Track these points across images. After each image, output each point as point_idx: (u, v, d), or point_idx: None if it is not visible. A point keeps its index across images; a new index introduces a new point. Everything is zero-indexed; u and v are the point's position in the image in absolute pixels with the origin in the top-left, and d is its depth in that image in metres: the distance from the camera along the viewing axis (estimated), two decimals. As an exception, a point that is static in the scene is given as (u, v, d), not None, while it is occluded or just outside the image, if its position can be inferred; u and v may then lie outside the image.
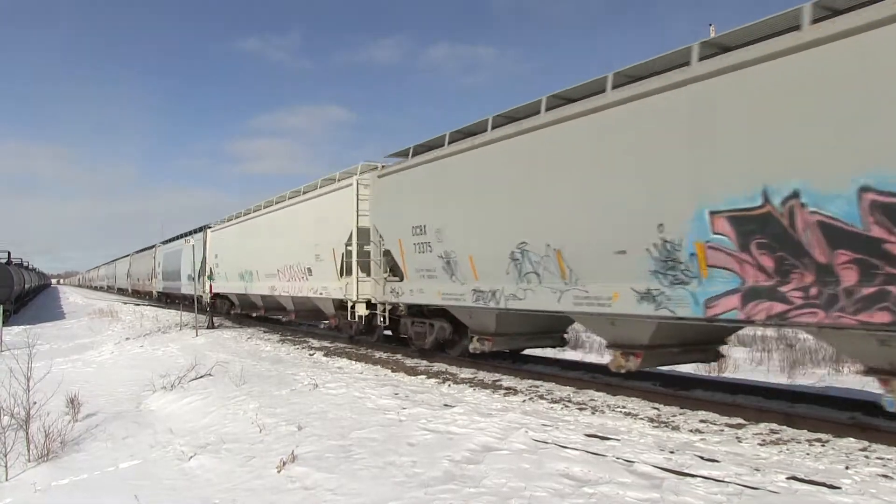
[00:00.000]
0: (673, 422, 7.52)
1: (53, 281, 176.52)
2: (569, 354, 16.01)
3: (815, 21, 6.12)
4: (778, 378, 12.49)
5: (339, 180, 15.77)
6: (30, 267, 59.61)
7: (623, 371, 8.64)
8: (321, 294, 16.39)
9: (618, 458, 6.00)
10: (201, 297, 26.07)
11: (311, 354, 15.11)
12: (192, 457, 7.26)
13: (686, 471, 5.58)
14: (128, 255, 63.49)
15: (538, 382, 10.34)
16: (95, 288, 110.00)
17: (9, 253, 36.21)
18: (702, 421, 7.54)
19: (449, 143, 11.46)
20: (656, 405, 8.46)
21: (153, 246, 44.79)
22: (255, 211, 22.35)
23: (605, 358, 13.03)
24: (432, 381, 10.83)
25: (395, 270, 13.46)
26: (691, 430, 7.09)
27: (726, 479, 5.32)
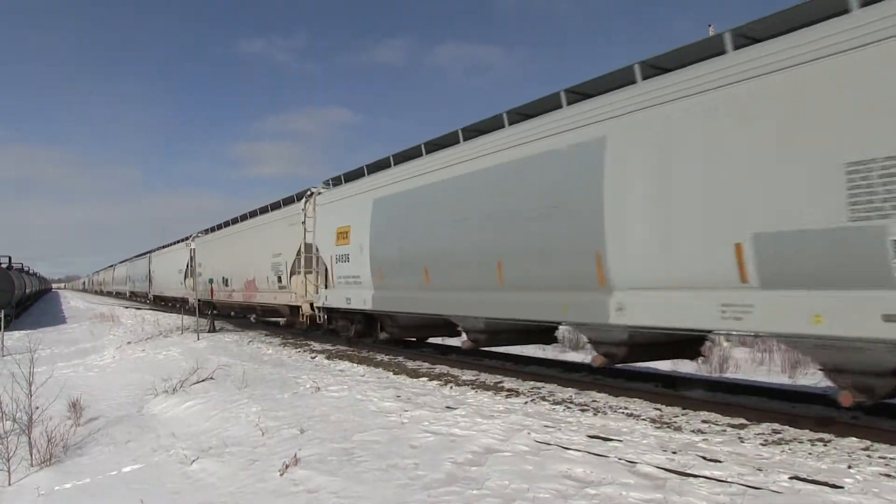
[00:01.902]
0: (675, 422, 7.53)
1: (58, 286, 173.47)
2: (570, 356, 16.03)
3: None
4: (779, 378, 12.51)
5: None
6: (31, 271, 59.65)
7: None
8: None
9: (620, 459, 6.00)
10: None
11: (312, 357, 15.12)
12: (194, 461, 7.27)
13: (689, 471, 5.58)
14: (183, 240, 35.50)
15: (540, 384, 10.34)
16: (108, 294, 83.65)
17: (9, 258, 36.25)
18: (704, 421, 7.54)
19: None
20: (658, 406, 8.46)
21: (304, 194, 18.42)
22: None
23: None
24: (434, 383, 10.83)
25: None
26: (693, 431, 7.09)
27: (729, 480, 5.32)
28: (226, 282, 26.15)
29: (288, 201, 20.13)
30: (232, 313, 29.51)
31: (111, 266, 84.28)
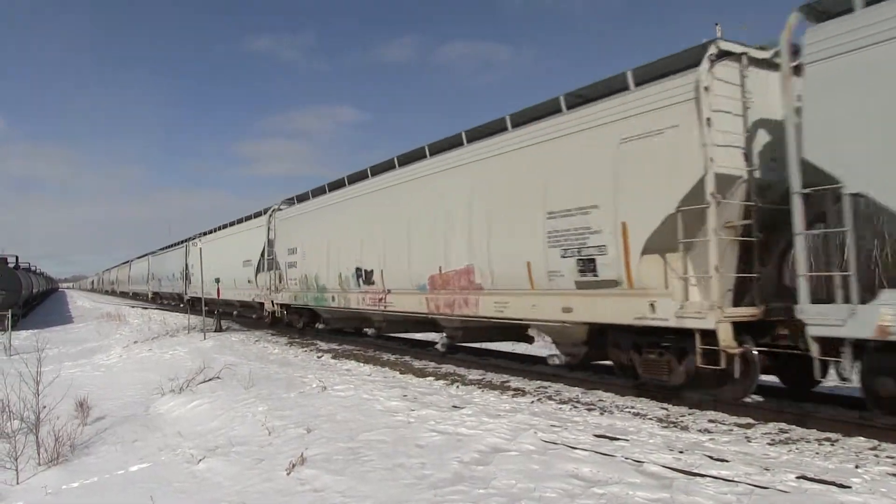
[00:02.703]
0: (682, 422, 7.51)
1: (65, 286, 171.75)
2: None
3: None
4: (786, 377, 12.45)
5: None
6: (37, 271, 59.86)
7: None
8: None
9: (627, 459, 5.99)
10: None
11: (319, 357, 15.14)
12: (201, 460, 7.29)
13: (696, 471, 5.57)
14: (248, 218, 25.50)
15: (546, 383, 10.33)
16: (122, 295, 72.96)
17: (17, 257, 36.41)
18: (711, 421, 7.52)
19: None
20: (665, 405, 8.44)
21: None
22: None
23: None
24: (441, 382, 10.83)
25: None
26: (700, 430, 7.08)
27: (736, 479, 5.31)
28: (363, 276, 15.12)
29: (656, 71, 8.66)
30: (368, 332, 16.59)
31: (126, 262, 71.17)
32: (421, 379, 11.30)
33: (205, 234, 32.27)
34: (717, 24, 8.21)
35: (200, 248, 25.70)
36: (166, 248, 44.69)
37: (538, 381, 10.52)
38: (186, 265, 34.08)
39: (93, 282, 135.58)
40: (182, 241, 37.79)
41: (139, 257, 60.42)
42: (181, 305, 36.39)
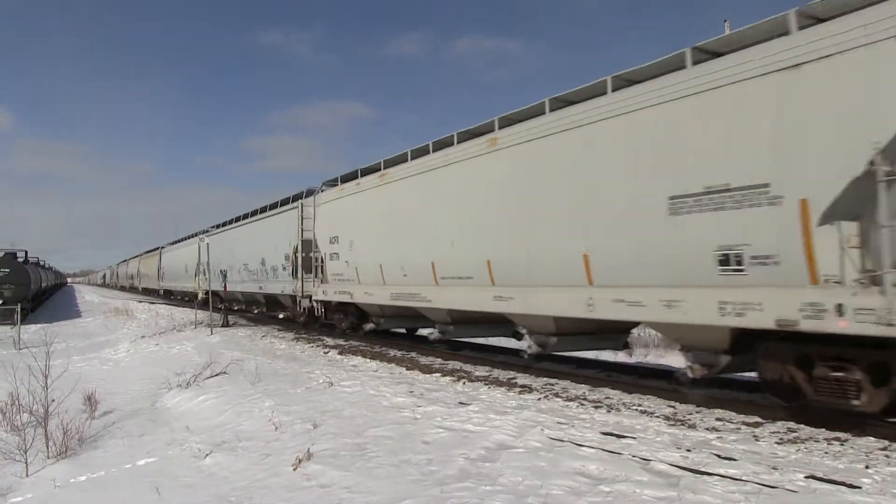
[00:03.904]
0: (689, 420, 7.48)
1: (73, 280, 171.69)
2: (581, 352, 15.95)
3: None
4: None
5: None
6: (46, 265, 60.12)
7: None
8: None
9: (634, 457, 5.97)
10: None
11: (325, 352, 15.15)
12: (208, 454, 7.31)
13: (703, 469, 5.54)
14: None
15: (553, 380, 10.31)
16: (147, 292, 57.07)
17: (25, 252, 36.60)
18: (718, 419, 7.48)
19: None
20: (672, 403, 8.41)
21: None
22: None
23: (618, 356, 13.07)
24: (447, 378, 10.82)
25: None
26: (708, 429, 7.04)
27: (744, 478, 5.28)
28: None
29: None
30: None
31: (154, 250, 52.30)
32: (427, 375, 11.29)
33: (346, 178, 16.52)
34: (725, 21, 8.14)
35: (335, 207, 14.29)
36: (241, 218, 26.57)
37: (545, 378, 10.50)
38: (301, 243, 18.62)
39: (104, 276, 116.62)
40: (288, 200, 21.00)
41: (176, 242, 42.90)
42: (280, 316, 23.07)
